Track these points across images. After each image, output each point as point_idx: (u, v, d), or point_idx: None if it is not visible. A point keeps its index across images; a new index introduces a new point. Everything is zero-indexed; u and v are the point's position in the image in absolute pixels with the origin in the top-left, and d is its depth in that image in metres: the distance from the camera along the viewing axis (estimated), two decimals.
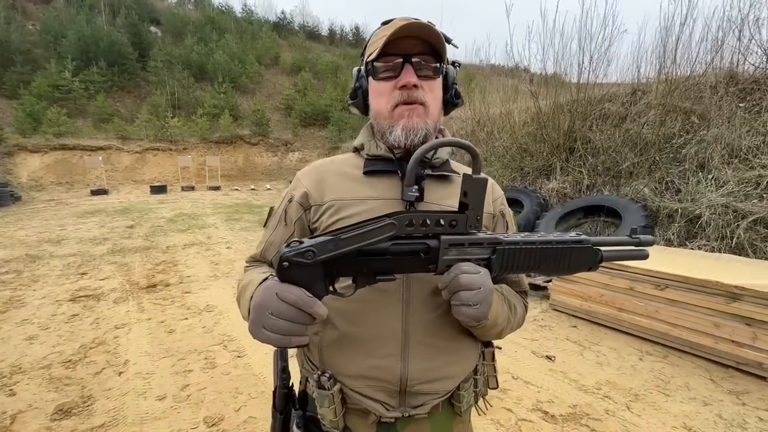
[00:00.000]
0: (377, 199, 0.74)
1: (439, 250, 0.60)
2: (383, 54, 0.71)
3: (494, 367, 0.83)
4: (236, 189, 15.27)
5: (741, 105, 4.83)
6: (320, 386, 0.71)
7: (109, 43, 18.72)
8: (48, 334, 3.14)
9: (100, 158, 14.62)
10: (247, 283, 0.70)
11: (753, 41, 5.12)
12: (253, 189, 15.42)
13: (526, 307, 0.86)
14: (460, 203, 0.61)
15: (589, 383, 2.39)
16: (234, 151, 17.91)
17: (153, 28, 23.55)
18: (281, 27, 32.36)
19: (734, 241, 3.65)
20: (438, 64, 0.75)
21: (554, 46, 6.66)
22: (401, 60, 0.72)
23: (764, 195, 3.86)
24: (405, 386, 0.71)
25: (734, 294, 2.42)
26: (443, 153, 0.81)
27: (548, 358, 2.70)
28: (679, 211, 4.24)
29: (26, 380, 2.49)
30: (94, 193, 13.42)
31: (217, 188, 15.21)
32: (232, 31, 24.28)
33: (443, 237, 0.60)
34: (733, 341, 2.46)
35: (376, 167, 0.77)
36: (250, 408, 2.21)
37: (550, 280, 3.71)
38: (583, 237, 0.69)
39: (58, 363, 2.69)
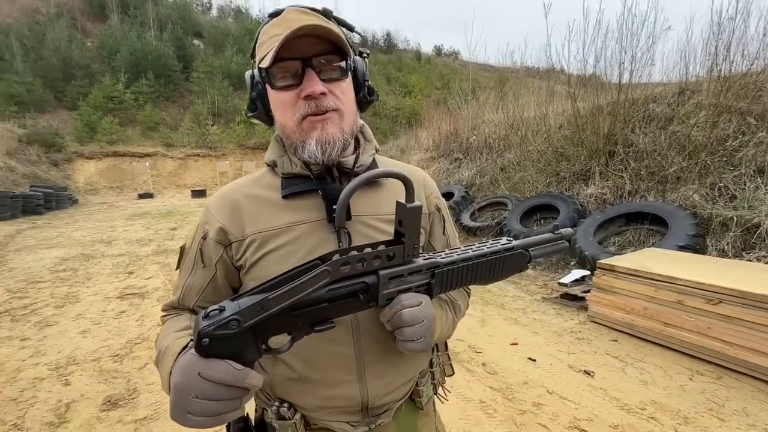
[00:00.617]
0: (302, 223, 0.67)
1: (378, 286, 0.57)
2: (277, 59, 0.60)
3: (448, 356, 0.85)
4: None
5: None
6: (280, 417, 0.68)
7: (157, 56, 20.03)
8: (99, 328, 3.37)
9: (147, 164, 15.61)
10: (164, 351, 0.60)
11: None
12: None
13: (468, 293, 0.87)
14: (396, 232, 0.58)
15: (632, 402, 2.25)
16: None
17: (196, 41, 24.93)
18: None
19: None
20: (344, 63, 0.65)
21: (595, 46, 6.39)
22: (300, 64, 0.62)
23: None
24: (367, 404, 0.70)
25: None
26: (366, 157, 0.73)
27: (587, 373, 2.57)
28: (735, 219, 3.92)
29: (79, 371, 2.68)
30: (141, 196, 14.32)
31: None
32: None
33: (381, 272, 0.56)
34: None
35: (294, 188, 0.69)
36: None
37: (588, 291, 3.54)
38: (513, 243, 0.70)
39: (107, 356, 2.88)
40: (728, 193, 4.29)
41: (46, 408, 2.27)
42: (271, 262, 0.66)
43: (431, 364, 0.80)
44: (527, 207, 5.89)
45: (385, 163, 0.80)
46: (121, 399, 2.36)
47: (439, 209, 0.82)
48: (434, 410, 0.86)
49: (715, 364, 2.59)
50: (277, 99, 0.66)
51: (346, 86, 0.67)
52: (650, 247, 4.18)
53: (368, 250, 0.55)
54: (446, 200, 7.18)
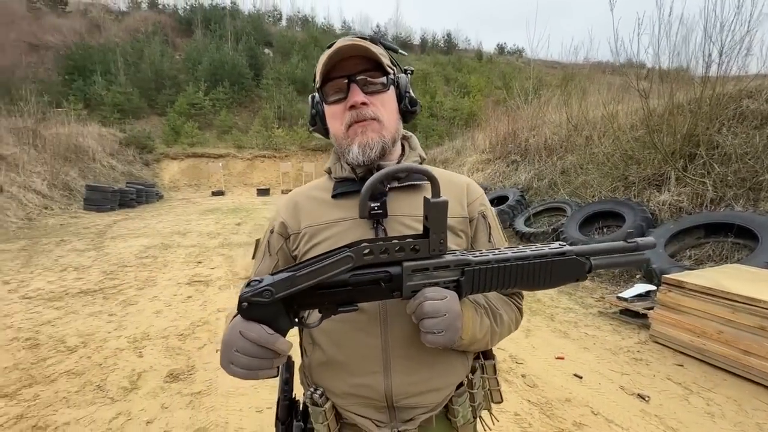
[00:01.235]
0: (345, 219, 0.76)
1: (402, 276, 0.59)
2: (328, 78, 0.74)
3: (497, 381, 0.80)
4: None
5: None
6: (313, 402, 0.73)
7: (232, 65, 21.87)
8: (169, 310, 3.80)
9: (220, 164, 17.13)
10: (228, 315, 0.73)
11: None
12: None
13: (520, 310, 0.83)
14: (424, 227, 0.60)
15: None
16: (327, 158, 19.27)
17: (266, 50, 26.77)
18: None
19: None
20: (384, 78, 0.75)
21: (671, 37, 5.74)
22: (346, 81, 0.73)
23: None
24: (391, 401, 0.72)
25: None
26: (409, 161, 0.81)
27: (641, 397, 2.34)
28: None
29: (151, 346, 3.05)
30: (214, 194, 15.74)
31: None
32: None
33: (405, 263, 0.59)
34: None
35: (341, 190, 0.79)
36: None
37: (652, 307, 3.21)
38: (566, 248, 0.65)
39: (173, 335, 3.24)
40: None
41: (123, 375, 2.63)
42: (318, 252, 0.73)
43: (471, 384, 0.77)
44: (588, 213, 5.48)
45: (433, 171, 0.85)
46: (182, 374, 2.65)
47: (484, 216, 0.83)
48: None
49: None
50: (329, 112, 0.77)
51: (388, 98, 0.76)
52: (734, 263, 3.67)
53: (394, 241, 0.58)
54: (500, 204, 6.91)
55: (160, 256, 5.92)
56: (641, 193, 5.44)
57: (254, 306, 0.55)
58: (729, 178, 4.59)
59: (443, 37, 37.58)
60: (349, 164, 0.78)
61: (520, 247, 0.65)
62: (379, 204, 0.73)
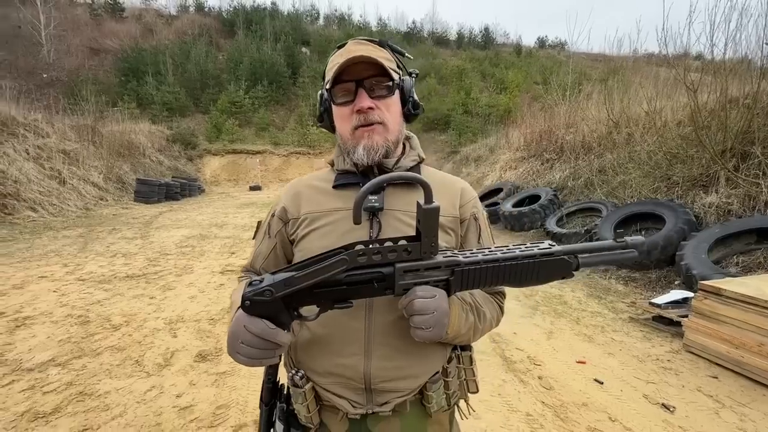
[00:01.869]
0: (343, 209, 0.81)
1: (394, 276, 0.63)
2: (338, 81, 0.77)
3: (473, 371, 0.83)
4: None
5: None
6: (294, 384, 0.77)
7: (271, 64, 22.66)
8: (203, 296, 4.06)
9: (258, 160, 17.83)
10: (232, 305, 0.78)
11: None
12: None
13: (501, 309, 0.87)
14: (416, 230, 0.64)
15: None
16: None
17: (304, 49, 27.45)
18: (411, 36, 33.81)
19: None
20: (390, 83, 0.78)
21: (726, 26, 5.30)
22: (354, 84, 0.77)
23: None
24: (369, 384, 0.75)
25: None
26: (407, 162, 0.85)
27: (665, 407, 2.23)
28: None
29: (184, 328, 3.28)
30: (252, 188, 16.42)
31: None
32: None
33: (398, 264, 0.63)
34: None
35: (342, 181, 0.85)
36: None
37: (686, 315, 3.02)
38: (554, 248, 0.66)
39: (205, 319, 3.46)
40: None
41: (158, 352, 2.86)
42: (315, 238, 0.80)
43: (446, 373, 0.80)
44: (625, 215, 5.21)
45: (428, 173, 0.90)
46: (210, 354, 2.84)
47: (476, 218, 0.87)
48: (451, 422, 0.87)
49: None
50: (337, 112, 0.82)
51: (393, 102, 0.81)
52: None
53: (388, 244, 0.62)
54: (532, 204, 6.76)
55: (198, 246, 6.30)
56: (686, 194, 5.09)
57: (256, 303, 0.60)
58: None
59: (481, 32, 36.72)
60: (352, 160, 0.83)
61: (510, 246, 0.68)
62: (376, 197, 0.77)
